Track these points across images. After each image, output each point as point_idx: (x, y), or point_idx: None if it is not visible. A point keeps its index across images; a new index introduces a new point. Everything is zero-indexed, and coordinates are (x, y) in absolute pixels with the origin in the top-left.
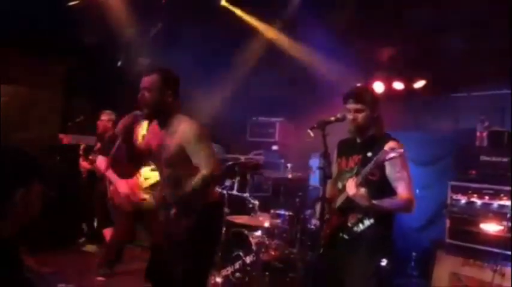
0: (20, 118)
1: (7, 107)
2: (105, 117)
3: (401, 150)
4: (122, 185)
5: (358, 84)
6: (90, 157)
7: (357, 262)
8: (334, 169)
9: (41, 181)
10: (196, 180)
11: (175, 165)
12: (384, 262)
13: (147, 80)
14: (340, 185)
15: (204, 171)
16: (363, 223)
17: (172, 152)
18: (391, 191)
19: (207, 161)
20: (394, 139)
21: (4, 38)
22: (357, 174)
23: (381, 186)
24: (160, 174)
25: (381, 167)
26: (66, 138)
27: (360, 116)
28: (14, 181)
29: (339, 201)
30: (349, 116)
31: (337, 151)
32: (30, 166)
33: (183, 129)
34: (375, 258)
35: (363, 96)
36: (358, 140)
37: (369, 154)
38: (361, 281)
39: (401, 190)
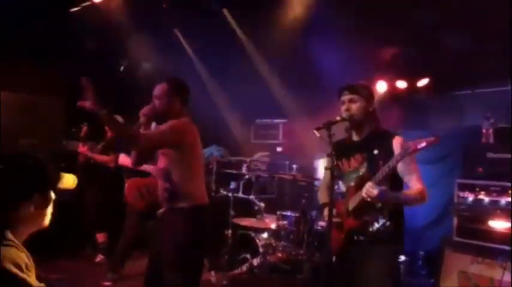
0: (23, 125)
1: (10, 113)
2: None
3: (410, 145)
4: (136, 182)
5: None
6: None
7: (376, 260)
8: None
9: (54, 190)
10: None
11: (168, 156)
12: (401, 258)
13: (157, 89)
14: (344, 187)
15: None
16: (377, 222)
17: (167, 158)
18: (400, 185)
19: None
20: (397, 134)
21: (6, 44)
22: (368, 174)
23: (391, 181)
24: (158, 186)
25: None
26: (81, 149)
27: (354, 107)
28: (26, 190)
29: (352, 203)
30: (345, 107)
31: (334, 154)
32: (43, 174)
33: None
34: (393, 255)
35: (357, 87)
36: (356, 139)
37: (375, 152)
38: (382, 279)
39: (415, 182)
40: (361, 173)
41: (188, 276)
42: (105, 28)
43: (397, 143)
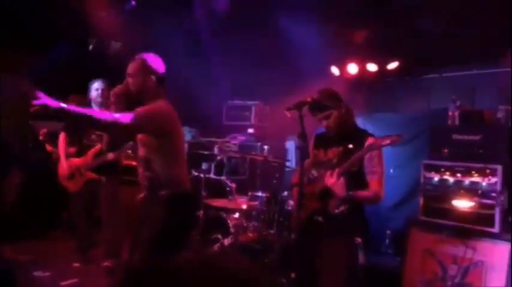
0: None
1: None
2: (76, 101)
3: (380, 146)
4: (63, 165)
5: (321, 89)
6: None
7: (333, 242)
8: (311, 158)
9: (19, 170)
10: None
11: (147, 145)
12: (358, 240)
13: (131, 66)
14: (315, 173)
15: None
16: (337, 208)
17: (147, 145)
18: (362, 184)
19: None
20: (371, 135)
21: None
22: (337, 165)
23: (357, 177)
24: (139, 173)
25: (361, 160)
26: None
27: (331, 120)
28: None
29: (318, 188)
30: (323, 124)
31: (314, 143)
32: (7, 154)
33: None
34: (350, 237)
35: (325, 102)
36: (337, 135)
37: (350, 146)
38: (338, 260)
39: (374, 184)
40: (333, 163)
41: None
42: (74, 4)
43: (369, 142)
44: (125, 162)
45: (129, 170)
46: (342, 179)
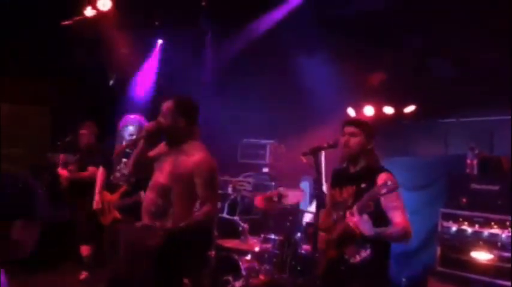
0: (8, 135)
1: None
2: (87, 131)
3: (394, 184)
4: (96, 198)
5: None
6: (70, 168)
7: None
8: (328, 199)
9: (41, 219)
10: (201, 214)
11: (170, 195)
12: None
13: (164, 106)
14: (334, 215)
15: (208, 206)
16: (359, 255)
17: (176, 179)
18: (385, 222)
19: (214, 197)
20: (386, 171)
21: None
22: (353, 206)
23: (375, 217)
24: (147, 197)
25: (375, 199)
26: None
27: (353, 141)
28: (15, 210)
29: (336, 233)
30: (343, 139)
31: (331, 181)
32: (33, 199)
33: (199, 160)
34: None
35: (361, 123)
36: (352, 170)
37: (363, 185)
38: None
39: (398, 219)
40: (348, 204)
41: None
42: (96, 42)
43: (380, 178)
44: None
45: None
46: (365, 216)
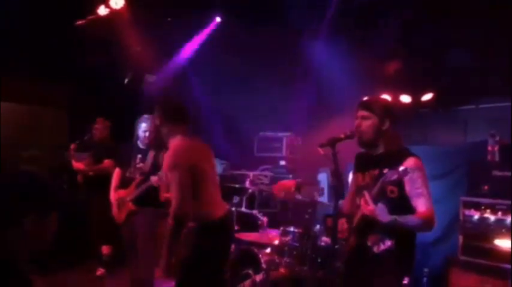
0: (24, 136)
1: (11, 125)
2: (101, 124)
3: (412, 169)
4: (112, 197)
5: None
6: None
7: (378, 281)
8: (351, 184)
9: (56, 209)
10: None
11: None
12: (405, 281)
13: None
14: (358, 201)
15: (169, 218)
16: (384, 244)
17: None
18: (410, 210)
19: (176, 194)
20: (413, 155)
21: (8, 55)
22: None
23: (400, 204)
24: None
25: (397, 184)
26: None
27: (364, 124)
28: (26, 207)
29: (355, 220)
30: (356, 123)
31: (354, 165)
32: (44, 191)
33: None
34: (396, 278)
35: (372, 104)
36: (374, 154)
37: (385, 170)
38: None
39: (422, 207)
40: (370, 189)
41: None
42: (109, 41)
43: (406, 163)
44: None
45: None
46: (380, 205)
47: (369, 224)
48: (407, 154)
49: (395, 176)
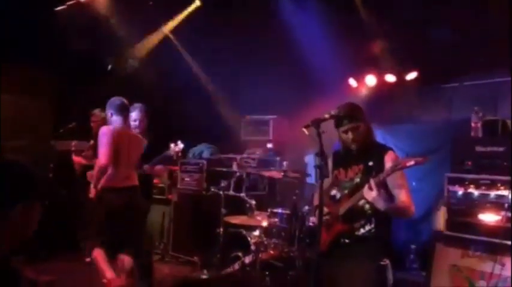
0: (10, 126)
1: None
2: (97, 117)
3: (404, 167)
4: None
5: (346, 103)
6: (84, 154)
7: (358, 263)
8: (329, 179)
9: (40, 199)
10: None
11: None
12: (386, 262)
13: None
14: (338, 194)
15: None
16: (364, 228)
17: None
18: (390, 199)
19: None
20: (390, 148)
21: None
22: (362, 184)
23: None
24: None
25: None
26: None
27: (358, 133)
28: (12, 197)
29: (343, 209)
30: (349, 136)
31: (332, 162)
32: (30, 182)
33: None
34: (375, 258)
35: (356, 114)
36: (354, 151)
37: (370, 163)
38: (366, 283)
39: (404, 197)
40: (355, 183)
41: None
42: (91, 26)
43: (388, 157)
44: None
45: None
46: (382, 192)
47: (358, 212)
48: (385, 147)
49: (411, 162)
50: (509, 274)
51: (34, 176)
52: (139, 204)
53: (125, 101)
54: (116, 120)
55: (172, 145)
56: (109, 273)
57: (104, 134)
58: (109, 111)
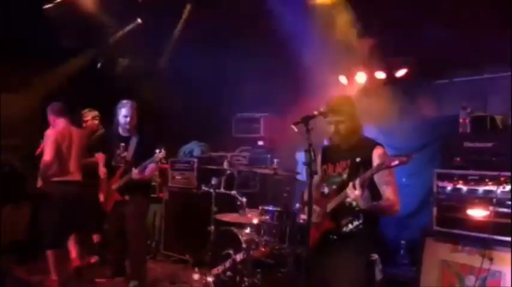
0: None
1: None
2: (90, 116)
3: (389, 167)
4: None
5: (336, 96)
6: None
7: (346, 259)
8: (318, 174)
9: (31, 199)
10: None
11: None
12: (374, 257)
13: None
14: (327, 189)
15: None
16: (351, 224)
17: None
18: (377, 195)
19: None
20: (378, 144)
21: None
22: (348, 179)
23: (369, 189)
24: None
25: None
26: None
27: (342, 127)
28: (1, 198)
29: (331, 206)
30: (331, 129)
31: (321, 157)
32: (19, 183)
33: None
34: (363, 254)
35: (342, 108)
36: (343, 146)
37: (358, 159)
38: (355, 279)
39: (390, 194)
40: (343, 178)
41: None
42: (80, 24)
43: (376, 153)
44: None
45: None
46: (366, 191)
47: (346, 209)
48: (374, 143)
49: (396, 162)
50: (498, 269)
51: (23, 176)
52: (86, 195)
53: (63, 104)
54: (58, 123)
55: (157, 151)
56: (54, 275)
57: (48, 136)
58: (51, 117)
